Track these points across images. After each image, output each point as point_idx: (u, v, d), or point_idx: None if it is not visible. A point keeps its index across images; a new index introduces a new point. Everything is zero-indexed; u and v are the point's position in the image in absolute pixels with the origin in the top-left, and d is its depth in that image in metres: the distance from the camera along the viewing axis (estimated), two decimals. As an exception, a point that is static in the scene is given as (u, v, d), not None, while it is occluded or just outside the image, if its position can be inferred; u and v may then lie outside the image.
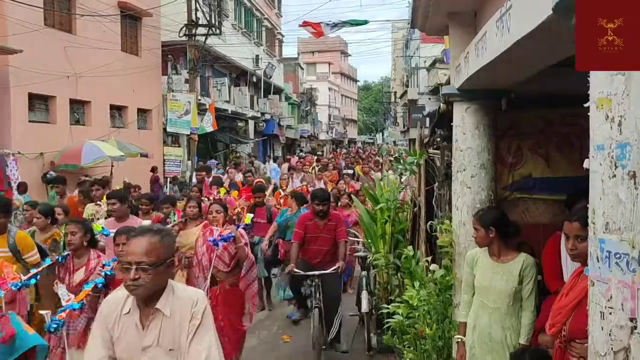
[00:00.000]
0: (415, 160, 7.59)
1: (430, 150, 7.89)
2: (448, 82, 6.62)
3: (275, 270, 9.98)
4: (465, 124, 5.21)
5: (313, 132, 54.77)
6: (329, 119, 66.36)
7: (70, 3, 17.42)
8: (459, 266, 5.32)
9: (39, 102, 16.32)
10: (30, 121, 15.73)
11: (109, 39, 18.14)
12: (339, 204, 11.37)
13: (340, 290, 7.90)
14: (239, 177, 17.73)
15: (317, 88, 59.34)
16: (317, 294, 7.39)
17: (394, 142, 54.72)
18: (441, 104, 6.49)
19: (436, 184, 7.50)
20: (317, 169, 21.39)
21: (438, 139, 7.97)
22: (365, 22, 10.82)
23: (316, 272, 7.36)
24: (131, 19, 20.63)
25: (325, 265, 7.50)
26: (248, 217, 7.22)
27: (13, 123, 14.89)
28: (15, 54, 14.00)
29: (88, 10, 16.99)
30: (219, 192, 10.23)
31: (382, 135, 78.51)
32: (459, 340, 4.76)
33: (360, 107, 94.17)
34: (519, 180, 5.66)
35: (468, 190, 5.24)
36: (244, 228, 6.99)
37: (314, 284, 7.42)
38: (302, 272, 7.35)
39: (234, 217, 8.33)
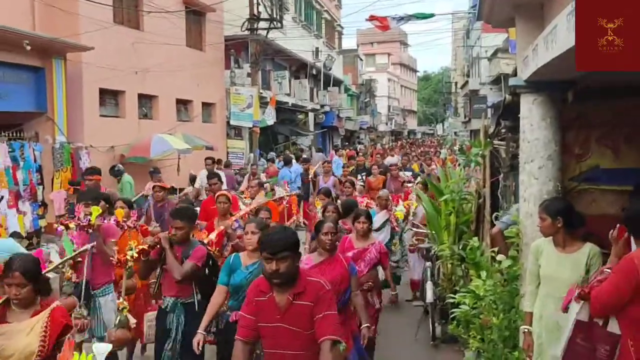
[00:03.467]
0: (480, 152, 7.59)
1: (495, 142, 7.89)
2: (514, 74, 6.61)
3: None
4: (533, 115, 5.24)
5: (372, 124, 54.71)
6: (388, 110, 66.15)
7: (137, 0, 17.96)
8: (526, 257, 5.36)
9: (109, 97, 16.90)
10: (101, 115, 16.31)
11: (174, 34, 18.59)
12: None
13: None
14: (297, 170, 17.36)
15: (376, 79, 59.22)
16: None
17: (455, 132, 54.15)
18: (507, 95, 6.51)
19: (501, 175, 7.52)
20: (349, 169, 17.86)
21: (503, 130, 7.97)
22: (432, 15, 10.80)
23: None
24: (195, 14, 21.08)
25: None
26: None
27: (85, 117, 15.47)
28: (87, 50, 14.54)
29: (155, 7, 17.47)
30: (88, 215, 5.94)
31: (442, 126, 77.74)
32: (526, 330, 4.81)
33: (420, 97, 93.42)
34: (587, 171, 5.64)
35: (535, 181, 5.27)
36: None
37: None
38: None
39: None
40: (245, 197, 10.44)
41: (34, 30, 14.03)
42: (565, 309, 4.16)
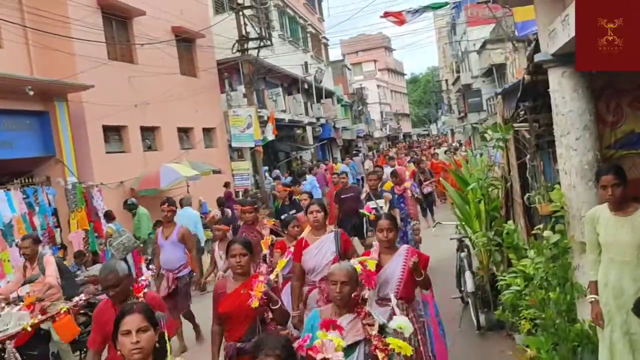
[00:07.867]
0: (502, 137, 7.59)
1: (515, 125, 7.89)
2: (536, 53, 6.59)
3: None
4: (563, 88, 5.25)
5: (368, 131, 54.78)
6: (382, 116, 66.28)
7: (128, 35, 18.03)
8: (574, 229, 5.35)
9: (112, 133, 16.89)
10: (107, 152, 16.29)
11: (168, 64, 18.65)
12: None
13: None
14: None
15: (366, 87, 59.38)
16: None
17: (451, 130, 54.22)
18: (525, 75, 6.51)
19: (527, 156, 7.51)
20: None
21: (522, 112, 7.96)
22: (446, 4, 10.90)
23: None
24: (186, 42, 21.17)
25: None
26: None
27: (93, 156, 15.45)
28: (87, 89, 14.55)
29: (145, 39, 17.52)
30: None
31: (436, 125, 77.88)
32: (593, 299, 4.77)
33: (411, 100, 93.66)
34: (622, 137, 5.64)
35: (574, 152, 5.26)
36: None
37: None
38: None
39: None
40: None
41: (32, 74, 14.07)
42: None
